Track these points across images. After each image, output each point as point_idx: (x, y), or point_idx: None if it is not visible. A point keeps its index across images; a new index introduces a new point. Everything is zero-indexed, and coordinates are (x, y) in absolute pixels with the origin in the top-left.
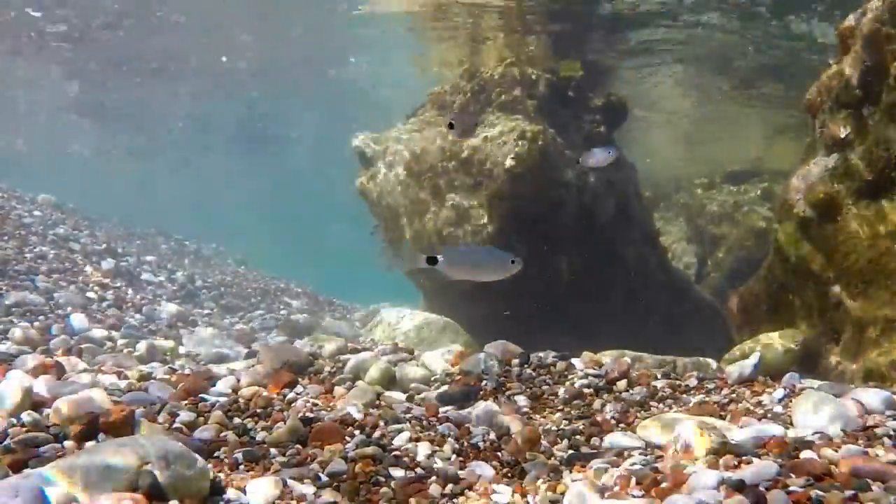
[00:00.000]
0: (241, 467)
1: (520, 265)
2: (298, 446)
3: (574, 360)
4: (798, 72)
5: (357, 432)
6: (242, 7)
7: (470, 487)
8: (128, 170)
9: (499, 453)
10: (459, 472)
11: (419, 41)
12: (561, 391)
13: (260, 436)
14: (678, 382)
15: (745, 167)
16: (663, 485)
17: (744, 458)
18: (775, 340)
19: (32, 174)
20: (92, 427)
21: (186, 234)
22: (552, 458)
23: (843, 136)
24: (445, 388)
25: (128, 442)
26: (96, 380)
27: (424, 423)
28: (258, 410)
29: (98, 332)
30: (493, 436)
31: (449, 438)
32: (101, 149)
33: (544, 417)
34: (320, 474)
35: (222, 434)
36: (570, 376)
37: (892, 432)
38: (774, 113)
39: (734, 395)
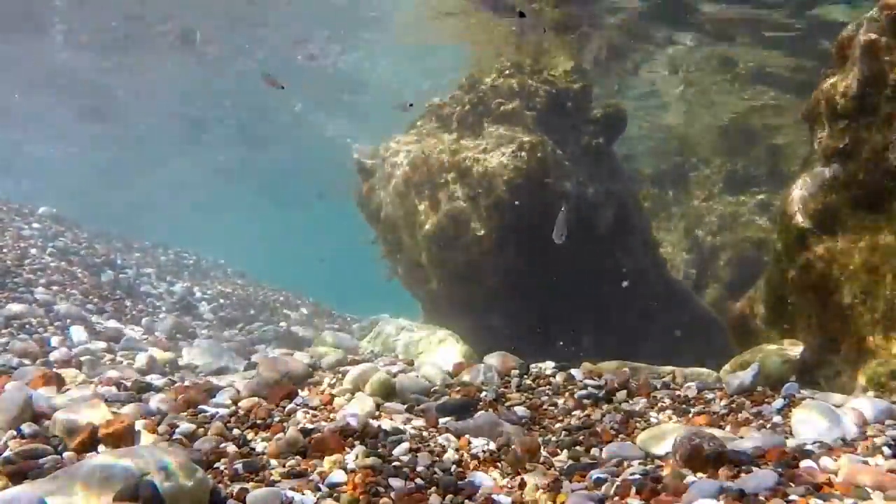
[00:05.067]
0: (241, 478)
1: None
2: (298, 457)
3: (573, 371)
4: None
5: (357, 443)
6: None
7: (470, 498)
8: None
9: (498, 464)
10: (459, 483)
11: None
12: (560, 402)
13: (260, 447)
14: (678, 393)
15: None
16: (663, 494)
17: (743, 467)
18: (774, 351)
19: None
20: (92, 438)
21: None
22: (552, 469)
23: (841, 146)
24: (445, 398)
25: (128, 453)
26: (96, 391)
27: (424, 433)
28: (258, 421)
29: (97, 344)
30: (492, 446)
31: (448, 449)
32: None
33: (544, 428)
34: (320, 485)
35: (222, 445)
36: (569, 387)
37: (891, 442)
38: None
39: (733, 406)
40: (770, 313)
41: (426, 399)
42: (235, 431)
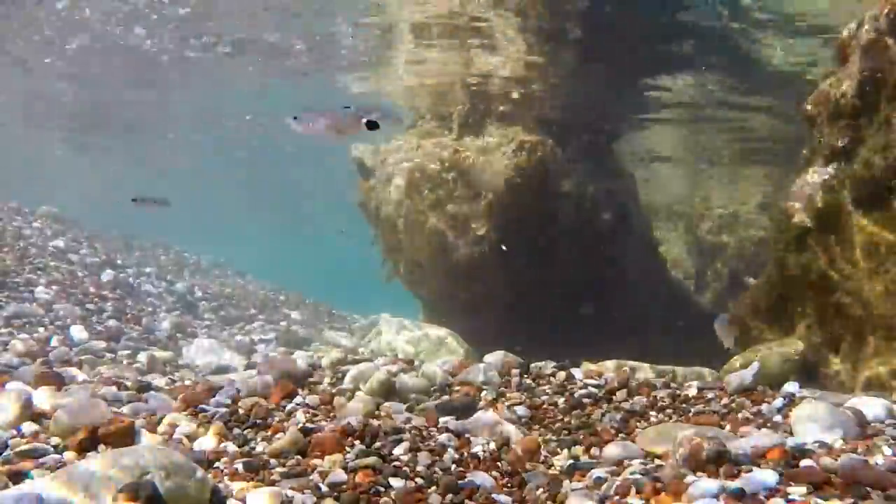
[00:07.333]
0: (242, 478)
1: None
2: (298, 457)
3: (573, 370)
4: None
5: (357, 442)
6: None
7: (470, 497)
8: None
9: (499, 463)
10: (459, 483)
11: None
12: (561, 401)
13: (260, 446)
14: (678, 392)
15: None
16: (663, 494)
17: (743, 467)
18: (775, 350)
19: None
20: (92, 438)
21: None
22: (552, 468)
23: (841, 145)
24: (445, 398)
25: (128, 452)
26: (96, 391)
27: (424, 433)
28: (258, 421)
29: (98, 344)
30: (492, 446)
31: (449, 448)
32: None
33: (544, 428)
34: (321, 485)
35: (222, 445)
36: (569, 386)
37: (891, 441)
38: None
39: (734, 405)
40: (770, 313)
41: (426, 398)
42: (236, 431)
